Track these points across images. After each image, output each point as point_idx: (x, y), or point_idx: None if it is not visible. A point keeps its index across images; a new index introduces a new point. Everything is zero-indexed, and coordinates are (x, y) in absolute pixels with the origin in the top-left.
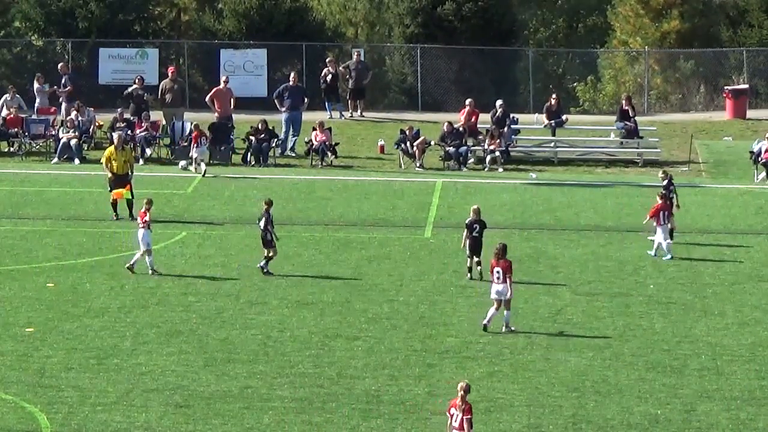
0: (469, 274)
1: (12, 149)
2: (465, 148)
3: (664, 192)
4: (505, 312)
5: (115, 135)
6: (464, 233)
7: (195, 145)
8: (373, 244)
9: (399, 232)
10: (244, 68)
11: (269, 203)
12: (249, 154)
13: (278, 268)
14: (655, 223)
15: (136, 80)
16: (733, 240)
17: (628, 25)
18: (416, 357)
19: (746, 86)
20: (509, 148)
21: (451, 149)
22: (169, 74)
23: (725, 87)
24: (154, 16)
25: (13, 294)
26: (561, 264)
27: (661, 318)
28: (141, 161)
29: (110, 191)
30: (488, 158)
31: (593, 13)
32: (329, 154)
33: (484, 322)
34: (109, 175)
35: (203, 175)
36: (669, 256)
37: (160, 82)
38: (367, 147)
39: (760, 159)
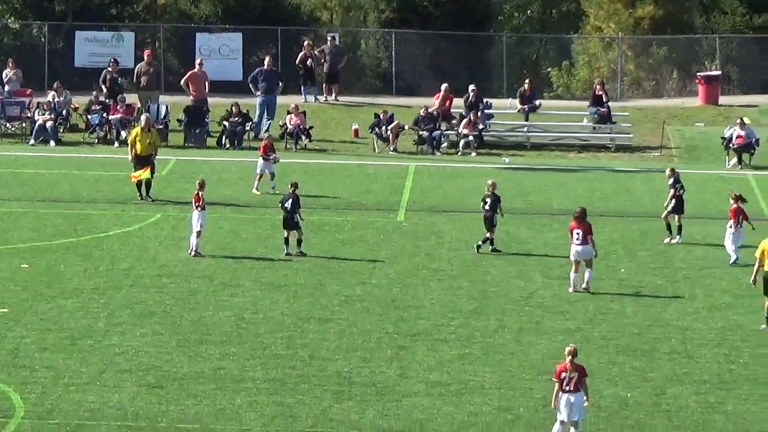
0: (482, 244)
1: None
2: (438, 132)
3: (739, 194)
4: (587, 271)
5: (143, 117)
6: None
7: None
8: (347, 227)
9: (372, 216)
10: (220, 52)
11: (295, 185)
12: (224, 137)
13: (252, 250)
14: (731, 226)
15: (110, 63)
16: (704, 225)
17: (602, 11)
18: (388, 339)
19: (718, 72)
20: (482, 133)
21: (425, 133)
22: (145, 57)
23: (698, 73)
24: None
25: None
26: (533, 248)
27: (631, 302)
28: (116, 144)
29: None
30: (461, 142)
31: None
32: (303, 137)
33: (571, 289)
34: (130, 156)
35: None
36: (734, 258)
37: (135, 66)
38: (341, 131)
39: (731, 145)
